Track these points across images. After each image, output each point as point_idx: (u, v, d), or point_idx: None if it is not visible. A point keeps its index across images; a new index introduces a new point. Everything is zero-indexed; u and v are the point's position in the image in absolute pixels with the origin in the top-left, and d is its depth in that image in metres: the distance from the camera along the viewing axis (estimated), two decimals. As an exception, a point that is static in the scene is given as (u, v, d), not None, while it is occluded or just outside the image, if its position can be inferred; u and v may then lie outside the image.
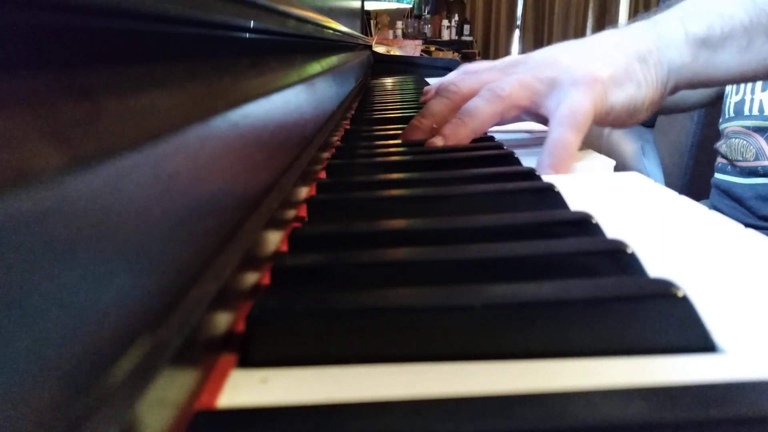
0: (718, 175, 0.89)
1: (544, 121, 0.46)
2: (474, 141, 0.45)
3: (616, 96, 0.44)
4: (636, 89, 0.44)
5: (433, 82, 1.16)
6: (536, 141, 0.52)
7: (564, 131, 0.42)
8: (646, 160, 1.47)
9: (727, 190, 0.87)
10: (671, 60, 0.45)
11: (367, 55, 1.39)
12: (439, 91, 0.49)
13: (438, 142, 0.44)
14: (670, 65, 0.45)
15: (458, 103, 0.46)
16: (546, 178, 0.32)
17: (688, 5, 0.47)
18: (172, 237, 0.15)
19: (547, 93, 0.44)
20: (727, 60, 0.45)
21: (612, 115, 0.45)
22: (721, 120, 0.91)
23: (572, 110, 0.42)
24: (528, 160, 0.41)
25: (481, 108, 0.44)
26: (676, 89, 0.47)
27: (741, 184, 0.84)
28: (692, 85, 0.47)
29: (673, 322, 0.16)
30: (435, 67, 1.55)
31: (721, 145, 0.88)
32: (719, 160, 0.89)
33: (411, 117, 0.64)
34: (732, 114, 0.88)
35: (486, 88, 0.45)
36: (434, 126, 0.47)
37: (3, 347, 0.08)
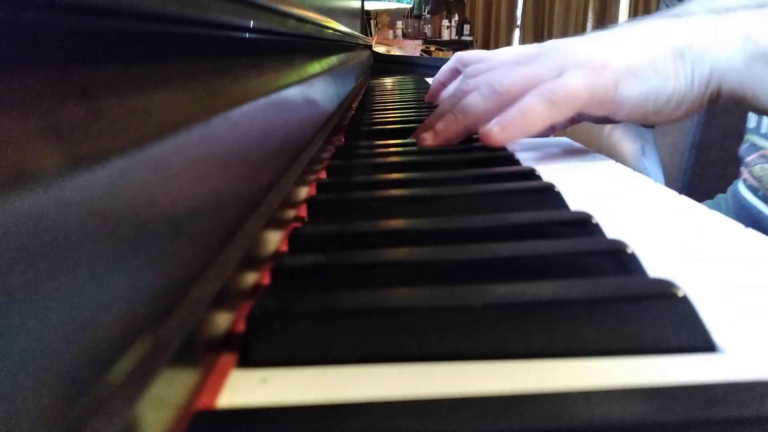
0: (744, 193, 0.77)
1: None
2: (474, 141, 0.45)
3: (632, 87, 0.40)
4: (661, 83, 0.40)
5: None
6: (535, 143, 0.52)
7: (533, 99, 0.40)
8: (646, 160, 1.47)
9: (756, 218, 0.74)
10: (716, 59, 0.40)
11: (367, 55, 1.39)
12: (481, 87, 0.45)
13: (429, 138, 0.43)
14: (714, 65, 0.40)
15: (506, 104, 0.42)
16: (546, 178, 0.32)
17: (760, 15, 0.42)
18: (172, 237, 0.15)
19: (553, 79, 0.41)
20: None
21: (626, 108, 0.41)
22: (748, 125, 0.78)
23: (555, 85, 0.40)
24: (529, 160, 0.41)
25: (477, 104, 0.43)
26: (721, 96, 0.41)
27: None
28: (739, 98, 0.41)
29: (673, 322, 0.16)
30: (435, 67, 1.54)
31: (752, 162, 0.75)
32: (746, 176, 0.77)
33: (411, 117, 0.64)
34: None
35: (486, 83, 0.43)
36: (475, 124, 0.44)
37: (3, 347, 0.08)
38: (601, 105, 0.41)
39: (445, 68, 0.74)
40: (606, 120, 0.46)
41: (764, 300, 0.19)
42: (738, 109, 0.47)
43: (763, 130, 0.72)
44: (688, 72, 0.40)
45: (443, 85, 0.73)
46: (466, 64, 0.68)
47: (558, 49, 0.43)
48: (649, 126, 1.55)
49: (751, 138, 0.75)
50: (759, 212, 0.73)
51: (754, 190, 0.75)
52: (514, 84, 0.42)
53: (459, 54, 0.73)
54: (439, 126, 0.44)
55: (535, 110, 0.40)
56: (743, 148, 0.78)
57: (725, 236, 0.25)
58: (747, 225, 0.26)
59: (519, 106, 0.40)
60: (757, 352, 0.16)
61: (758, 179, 0.73)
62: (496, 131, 0.40)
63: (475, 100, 0.43)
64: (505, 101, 0.41)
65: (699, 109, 0.42)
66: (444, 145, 0.44)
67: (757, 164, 0.74)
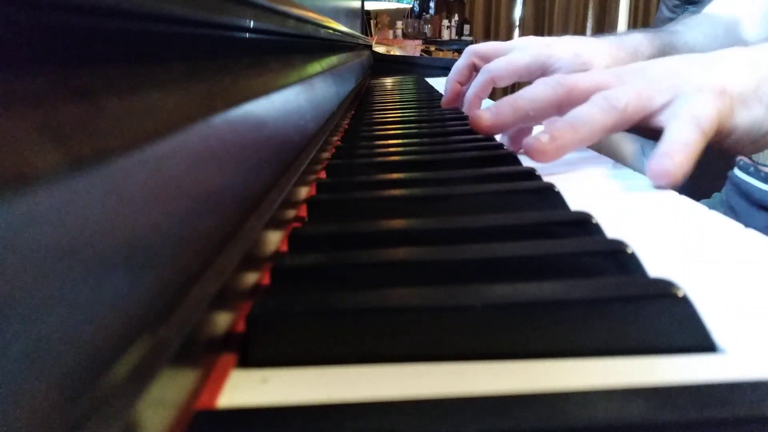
0: (739, 173, 0.78)
1: (654, 135, 0.40)
2: (474, 141, 0.45)
3: (742, 116, 0.39)
4: (763, 113, 0.39)
5: (432, 82, 1.16)
6: None
7: (686, 129, 0.36)
8: (646, 160, 1.47)
9: (746, 192, 0.76)
10: None
11: (367, 55, 1.39)
12: (546, 81, 0.43)
13: (544, 139, 0.39)
14: None
15: (567, 98, 0.40)
16: (546, 178, 0.32)
17: None
18: (172, 237, 0.15)
19: (666, 102, 0.39)
20: None
21: (734, 137, 0.39)
22: None
23: (695, 111, 0.37)
24: (528, 160, 0.41)
25: (594, 117, 0.39)
26: None
27: (763, 190, 0.74)
28: None
29: (673, 322, 0.16)
30: (435, 67, 1.55)
31: None
32: (741, 156, 0.78)
33: (411, 117, 0.64)
34: None
35: (601, 96, 0.40)
36: (530, 114, 0.42)
37: (3, 347, 0.08)
38: (718, 132, 0.38)
39: (459, 65, 0.67)
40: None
41: (764, 300, 0.19)
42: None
43: None
44: None
45: (461, 84, 0.67)
46: (484, 58, 0.63)
47: (656, 68, 0.41)
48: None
49: None
50: (750, 188, 0.74)
51: (745, 169, 0.75)
52: (632, 104, 0.39)
53: (473, 47, 0.67)
54: (557, 134, 0.39)
55: (688, 138, 0.36)
56: None
57: (725, 236, 0.25)
58: (746, 205, 0.25)
59: (675, 138, 0.36)
60: (757, 352, 0.16)
61: (749, 155, 0.74)
62: (669, 165, 0.35)
63: (594, 114, 0.39)
64: (623, 119, 0.39)
65: None
66: (558, 154, 0.40)
67: None
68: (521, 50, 0.61)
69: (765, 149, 0.42)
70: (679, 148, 0.36)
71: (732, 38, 0.67)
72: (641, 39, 0.63)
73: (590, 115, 0.39)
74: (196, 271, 0.16)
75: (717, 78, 0.39)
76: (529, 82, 0.46)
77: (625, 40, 0.63)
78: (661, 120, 0.38)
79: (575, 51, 0.60)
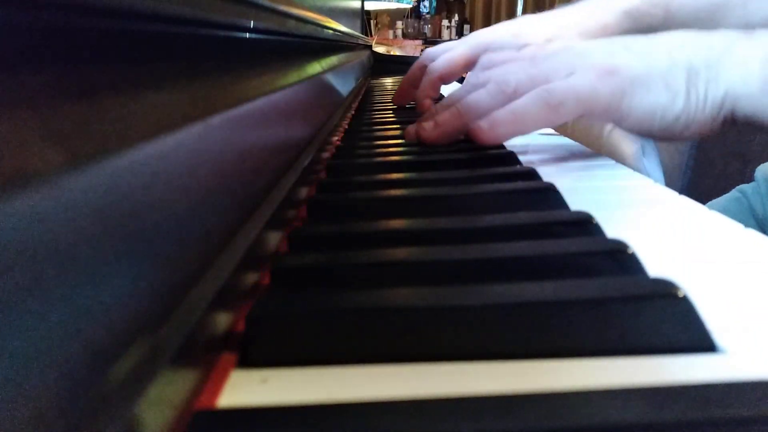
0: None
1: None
2: (474, 141, 0.45)
3: (639, 99, 0.38)
4: (669, 99, 0.38)
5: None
6: (537, 146, 0.52)
7: (529, 100, 0.38)
8: (646, 160, 1.47)
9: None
10: (731, 83, 0.38)
11: (367, 55, 1.39)
12: (489, 85, 0.43)
13: (428, 127, 0.41)
14: (728, 88, 0.38)
15: (509, 101, 0.41)
16: (546, 178, 0.32)
17: None
18: (173, 237, 0.15)
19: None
20: None
21: (631, 120, 0.39)
22: None
23: (556, 87, 0.38)
24: (529, 160, 0.41)
25: (480, 102, 0.41)
26: (731, 120, 0.39)
27: None
28: (752, 123, 0.39)
29: (673, 322, 0.16)
30: (435, 67, 1.54)
31: None
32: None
33: (411, 116, 0.64)
34: None
35: (493, 80, 0.41)
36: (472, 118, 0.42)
37: (3, 347, 0.08)
38: (605, 112, 0.39)
39: (412, 69, 0.68)
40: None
41: (764, 300, 0.19)
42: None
43: None
44: (701, 92, 0.38)
45: (414, 88, 0.67)
46: (433, 59, 0.64)
47: (575, 48, 0.42)
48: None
49: None
50: None
51: None
52: (522, 85, 0.40)
53: (426, 51, 0.69)
54: (440, 118, 0.42)
55: (529, 111, 0.38)
56: None
57: (725, 236, 0.25)
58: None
59: (513, 106, 0.39)
60: (757, 352, 0.16)
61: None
62: (485, 128, 0.39)
63: (480, 97, 0.41)
64: (510, 102, 0.40)
65: (711, 131, 0.40)
66: (442, 139, 0.43)
67: None
68: (462, 43, 0.62)
69: (683, 139, 0.41)
70: (505, 112, 0.38)
71: None
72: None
73: (476, 100, 0.41)
74: (196, 271, 0.16)
75: (611, 59, 0.39)
76: None
77: (590, 1, 0.61)
78: None
79: (513, 32, 0.61)
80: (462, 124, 0.42)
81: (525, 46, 0.49)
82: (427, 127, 0.43)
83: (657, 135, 0.40)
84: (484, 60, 0.48)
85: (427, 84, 0.61)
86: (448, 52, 0.61)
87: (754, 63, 0.37)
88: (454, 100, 0.44)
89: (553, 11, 0.63)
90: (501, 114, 0.39)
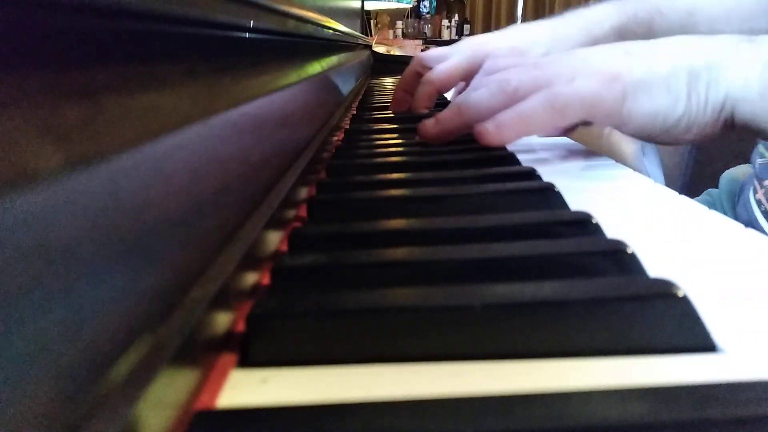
0: (757, 215, 0.70)
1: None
2: (474, 141, 0.45)
3: (640, 103, 0.39)
4: (671, 103, 0.38)
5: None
6: (541, 145, 0.52)
7: (534, 102, 0.38)
8: (646, 160, 1.47)
9: (751, 226, 0.70)
10: (732, 85, 0.38)
11: (367, 55, 1.39)
12: (491, 85, 0.43)
13: (429, 124, 0.42)
14: (729, 91, 0.38)
15: (512, 104, 0.41)
16: (546, 178, 0.32)
17: None
18: (173, 237, 0.15)
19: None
20: None
21: (633, 124, 0.40)
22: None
23: (560, 91, 0.39)
24: (529, 160, 0.41)
25: (481, 101, 0.41)
26: (733, 124, 0.39)
27: None
28: (751, 130, 0.39)
29: (673, 322, 0.16)
30: (435, 67, 1.54)
31: (763, 177, 0.70)
32: (761, 196, 0.69)
33: (411, 116, 0.64)
34: None
35: (495, 80, 0.42)
36: (476, 120, 0.42)
37: (3, 347, 0.08)
38: (608, 117, 0.39)
39: (405, 74, 0.68)
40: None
41: (764, 300, 0.19)
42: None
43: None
44: (702, 95, 0.38)
45: (409, 93, 0.67)
46: (428, 66, 0.64)
47: (578, 54, 0.42)
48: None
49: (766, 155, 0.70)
50: (762, 230, 0.68)
51: (759, 206, 0.70)
52: (523, 85, 0.40)
53: (419, 55, 0.68)
54: (442, 115, 0.43)
55: (534, 114, 0.39)
56: (759, 165, 0.72)
57: (725, 236, 0.25)
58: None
59: (519, 108, 0.39)
60: (757, 352, 0.16)
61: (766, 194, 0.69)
62: (491, 130, 0.39)
63: (481, 96, 0.41)
64: (511, 102, 0.40)
65: (712, 134, 0.40)
66: (442, 136, 0.43)
67: (766, 177, 0.69)
68: (460, 53, 0.62)
69: (684, 143, 0.41)
70: (511, 114, 0.38)
71: None
72: (604, 10, 0.61)
73: (477, 99, 0.41)
74: (196, 270, 0.16)
75: (614, 64, 0.39)
76: None
77: (580, 15, 0.62)
78: None
79: (511, 43, 0.61)
80: (462, 122, 0.42)
81: (521, 55, 0.49)
82: (428, 124, 0.43)
83: (658, 139, 0.41)
84: (489, 64, 0.48)
85: (425, 95, 0.61)
86: (446, 62, 0.61)
87: (755, 67, 0.37)
88: (459, 100, 0.44)
89: (545, 22, 0.63)
90: (507, 116, 0.39)
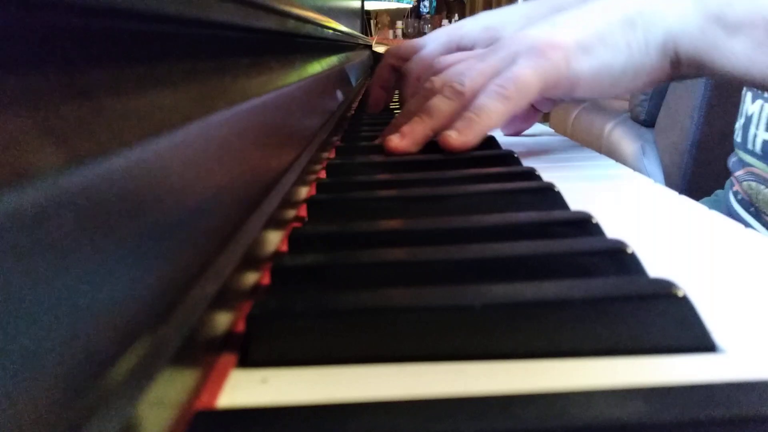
0: (735, 206, 0.72)
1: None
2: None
3: (583, 63, 0.39)
4: (612, 55, 0.39)
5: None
6: (537, 143, 0.53)
7: (485, 98, 0.39)
8: (646, 160, 1.47)
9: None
10: (670, 25, 0.39)
11: (367, 55, 1.39)
12: (444, 90, 0.43)
13: (395, 138, 0.42)
14: (667, 31, 0.39)
15: (469, 103, 0.41)
16: (546, 177, 0.32)
17: None
18: (172, 236, 0.15)
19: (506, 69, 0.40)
20: (738, 51, 0.38)
21: (582, 85, 0.40)
22: (735, 139, 0.73)
23: (505, 78, 0.39)
24: (529, 160, 0.41)
25: (440, 107, 0.42)
26: (681, 62, 0.40)
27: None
28: (697, 64, 0.39)
29: (673, 322, 0.16)
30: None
31: (741, 178, 0.71)
32: (737, 188, 0.72)
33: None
34: (739, 140, 0.71)
35: (448, 84, 0.42)
36: (442, 126, 0.42)
37: (3, 347, 0.08)
38: (556, 86, 0.40)
39: (379, 70, 0.68)
40: (573, 99, 0.45)
41: (764, 300, 0.19)
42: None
43: (748, 146, 0.69)
44: (641, 40, 0.39)
45: (384, 89, 0.68)
46: (402, 58, 0.64)
47: (516, 36, 0.43)
48: (648, 126, 1.54)
49: (738, 153, 0.73)
50: (749, 227, 0.69)
51: (745, 205, 0.73)
52: (475, 82, 0.41)
53: (390, 49, 0.69)
54: (406, 128, 0.42)
55: (488, 109, 0.39)
56: (732, 162, 0.76)
57: (725, 236, 0.25)
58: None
59: (472, 108, 0.40)
60: (757, 352, 0.16)
61: (749, 195, 0.71)
62: (454, 137, 0.39)
63: (439, 102, 0.42)
64: (468, 101, 0.41)
65: (664, 77, 0.41)
66: (412, 147, 0.42)
67: (744, 181, 0.72)
68: (435, 40, 0.63)
69: (638, 90, 0.42)
70: (468, 115, 0.39)
71: None
72: None
73: (436, 105, 0.42)
74: (196, 271, 0.16)
75: (547, 34, 0.40)
76: None
77: None
78: None
79: (484, 24, 0.62)
80: (429, 129, 0.42)
81: (496, 39, 0.50)
82: (395, 139, 0.42)
83: (611, 92, 0.42)
84: (435, 62, 0.50)
85: (411, 87, 0.61)
86: (424, 50, 0.62)
87: (689, 5, 0.38)
88: (413, 110, 0.44)
89: (518, 4, 0.65)
90: (464, 120, 0.40)
